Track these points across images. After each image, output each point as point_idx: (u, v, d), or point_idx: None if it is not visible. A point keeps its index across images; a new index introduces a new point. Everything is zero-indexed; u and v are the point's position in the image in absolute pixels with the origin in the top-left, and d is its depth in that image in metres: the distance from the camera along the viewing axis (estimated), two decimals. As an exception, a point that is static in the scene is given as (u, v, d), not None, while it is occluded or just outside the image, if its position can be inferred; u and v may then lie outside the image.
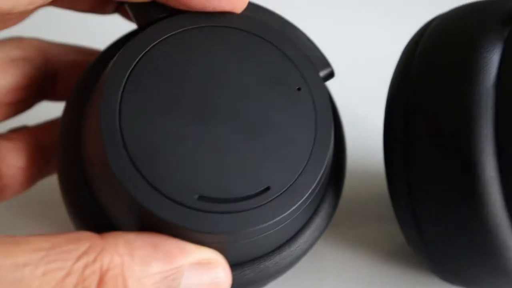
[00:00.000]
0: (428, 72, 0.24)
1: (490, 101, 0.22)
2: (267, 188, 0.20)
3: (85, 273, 0.17)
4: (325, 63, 0.23)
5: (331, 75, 0.24)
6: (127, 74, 0.21)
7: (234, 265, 0.22)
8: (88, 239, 0.18)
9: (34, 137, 0.25)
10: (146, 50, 0.21)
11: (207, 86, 0.21)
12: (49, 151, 0.26)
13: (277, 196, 0.20)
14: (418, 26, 0.27)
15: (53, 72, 0.25)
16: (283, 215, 0.20)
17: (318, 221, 0.23)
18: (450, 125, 0.22)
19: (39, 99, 0.26)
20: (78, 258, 0.17)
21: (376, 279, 0.28)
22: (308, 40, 0.24)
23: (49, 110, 0.28)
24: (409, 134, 0.24)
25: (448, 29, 0.25)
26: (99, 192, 0.21)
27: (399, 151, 0.24)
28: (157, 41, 0.22)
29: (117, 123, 0.20)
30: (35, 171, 0.25)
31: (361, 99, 0.34)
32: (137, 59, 0.21)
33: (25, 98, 0.25)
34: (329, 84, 0.25)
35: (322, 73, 0.23)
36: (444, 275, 0.25)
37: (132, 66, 0.21)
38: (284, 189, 0.20)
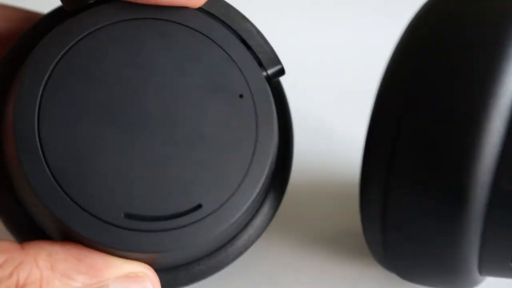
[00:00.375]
0: (433, 65, 0.19)
1: (507, 119, 0.18)
2: (199, 206, 0.19)
3: None
4: (274, 60, 0.21)
5: (280, 72, 0.22)
6: (48, 73, 0.19)
7: (167, 270, 0.21)
8: (5, 251, 0.17)
9: None
10: (71, 45, 0.19)
11: (139, 88, 0.19)
12: None
13: (208, 215, 0.19)
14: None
15: None
16: (213, 235, 0.19)
17: (257, 224, 0.23)
18: (449, 141, 0.19)
19: None
20: None
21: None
22: (258, 33, 0.22)
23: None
24: (396, 141, 0.20)
25: (466, 11, 0.20)
26: (23, 200, 0.20)
27: (381, 161, 0.20)
28: (84, 34, 0.19)
29: (35, 131, 0.18)
30: None
31: (324, 99, 0.32)
32: (60, 55, 0.19)
33: None
34: (289, 81, 0.23)
35: (270, 71, 0.21)
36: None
37: (54, 63, 0.19)
38: (217, 207, 0.19)
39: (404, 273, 0.24)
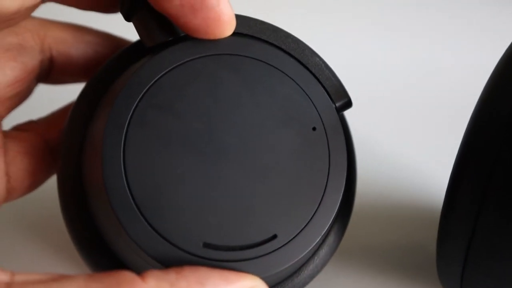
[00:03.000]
0: None
1: None
2: (274, 236, 0.20)
3: None
4: (343, 93, 0.22)
5: (348, 104, 0.22)
6: (133, 106, 0.20)
7: None
8: (128, 283, 0.17)
9: (40, 137, 0.24)
10: (154, 80, 0.20)
11: (216, 121, 0.20)
12: (56, 151, 0.25)
13: (283, 245, 0.20)
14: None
15: (49, 58, 0.24)
16: (287, 265, 0.20)
17: (322, 255, 0.23)
18: None
19: (36, 84, 0.25)
20: None
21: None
22: (326, 67, 0.22)
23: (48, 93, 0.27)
24: (492, 182, 0.19)
25: None
26: (102, 226, 0.21)
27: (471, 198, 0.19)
28: (166, 71, 0.20)
29: (120, 161, 0.19)
30: (42, 173, 0.24)
31: (384, 125, 0.32)
32: (145, 90, 0.20)
33: (24, 89, 0.24)
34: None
35: (338, 104, 0.22)
36: None
37: (139, 98, 0.20)
38: (291, 238, 0.20)
39: None
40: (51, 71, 0.24)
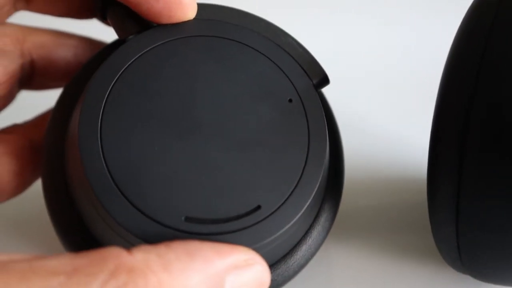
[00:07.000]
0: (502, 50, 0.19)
1: None
2: (258, 207, 0.19)
3: None
4: (319, 70, 0.22)
5: (325, 81, 0.22)
6: (108, 90, 0.20)
7: None
8: (114, 257, 0.16)
9: (26, 138, 0.24)
10: (127, 64, 0.20)
11: (192, 99, 0.20)
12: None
13: (268, 216, 0.19)
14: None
15: (30, 62, 0.24)
16: (274, 236, 0.19)
17: (315, 235, 0.22)
18: None
19: (18, 90, 0.25)
20: (105, 282, 0.15)
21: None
22: (299, 46, 0.22)
23: (32, 99, 0.27)
24: (466, 135, 0.19)
25: None
26: (84, 212, 0.20)
27: (451, 159, 0.20)
28: (139, 54, 0.21)
29: (98, 143, 0.19)
30: (30, 174, 0.24)
31: (367, 102, 0.32)
32: (118, 74, 0.20)
33: (6, 93, 0.24)
34: (330, 89, 0.23)
35: (315, 81, 0.22)
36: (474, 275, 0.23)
37: (113, 82, 0.20)
38: (275, 208, 0.19)
39: (481, 274, 0.23)
40: (33, 76, 0.25)
